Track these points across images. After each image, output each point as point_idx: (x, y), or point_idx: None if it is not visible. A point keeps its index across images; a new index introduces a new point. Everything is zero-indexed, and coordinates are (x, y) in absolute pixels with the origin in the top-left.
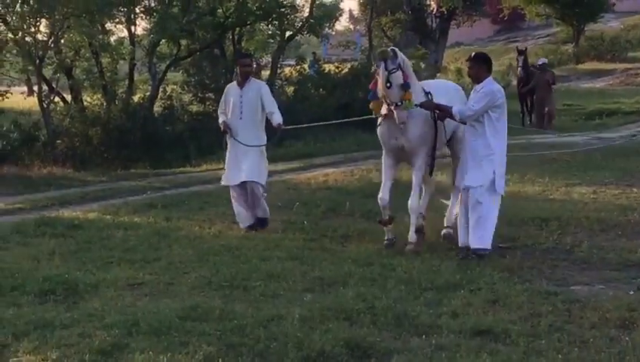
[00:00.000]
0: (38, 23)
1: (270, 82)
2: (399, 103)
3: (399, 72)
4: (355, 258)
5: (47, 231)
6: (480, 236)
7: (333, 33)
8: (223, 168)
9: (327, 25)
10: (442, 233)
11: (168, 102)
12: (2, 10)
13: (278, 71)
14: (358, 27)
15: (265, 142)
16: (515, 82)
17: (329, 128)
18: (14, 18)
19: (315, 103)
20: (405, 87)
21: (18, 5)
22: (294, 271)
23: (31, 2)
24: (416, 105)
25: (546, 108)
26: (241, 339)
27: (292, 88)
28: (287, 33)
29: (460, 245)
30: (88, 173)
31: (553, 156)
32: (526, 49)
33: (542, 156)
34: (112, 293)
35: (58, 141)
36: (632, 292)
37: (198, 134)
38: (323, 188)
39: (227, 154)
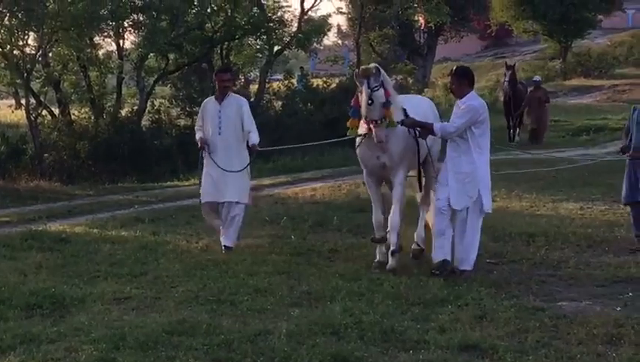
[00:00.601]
0: (26, 37)
1: (258, 97)
2: (379, 121)
3: (381, 90)
4: (343, 273)
5: (34, 245)
6: (468, 259)
7: (322, 48)
8: None
9: (316, 40)
10: (412, 248)
11: (156, 116)
12: None
13: (266, 85)
14: (346, 42)
15: (247, 163)
16: (502, 99)
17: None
18: (2, 31)
19: (303, 118)
20: (387, 104)
21: (6, 19)
22: (282, 285)
23: (19, 16)
24: (397, 122)
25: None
26: (229, 354)
27: (280, 103)
28: (276, 48)
29: (434, 261)
30: (75, 187)
31: (539, 177)
32: (515, 64)
33: (529, 172)
34: (99, 307)
35: (45, 154)
36: (619, 309)
37: (186, 148)
38: (310, 203)
39: (204, 170)
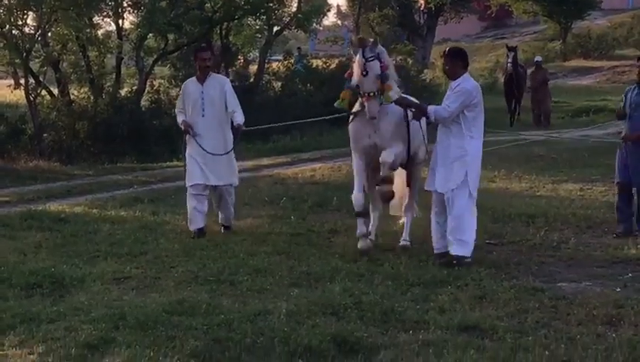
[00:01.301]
0: (25, 16)
1: (257, 77)
2: (373, 94)
3: (376, 62)
4: (343, 253)
5: (34, 225)
6: (459, 242)
7: (321, 28)
8: None
9: (315, 20)
10: (399, 245)
11: (155, 97)
12: None
13: (266, 66)
14: (345, 23)
15: (232, 146)
16: (502, 80)
17: (317, 123)
18: (1, 11)
19: (303, 98)
20: (383, 77)
21: None
22: (281, 265)
23: None
24: (393, 101)
25: (541, 108)
26: (228, 334)
27: (279, 83)
28: (275, 28)
29: (435, 251)
30: (75, 167)
31: (541, 153)
32: (516, 46)
33: (529, 153)
34: (99, 287)
35: (45, 134)
36: (618, 289)
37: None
38: (310, 183)
39: (188, 154)
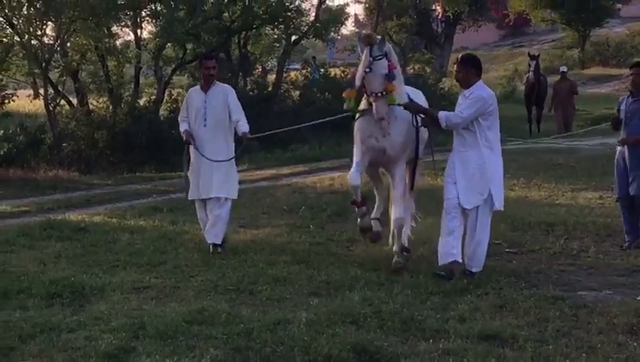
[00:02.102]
0: (44, 26)
1: (276, 86)
2: (380, 94)
3: (384, 60)
4: (362, 262)
5: (53, 234)
6: (477, 259)
7: (339, 37)
8: None
9: (333, 29)
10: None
11: (174, 106)
12: (9, 14)
13: (284, 75)
14: (363, 32)
15: (233, 155)
16: (522, 87)
17: (335, 132)
18: (21, 21)
19: (321, 107)
20: (390, 77)
21: (25, 8)
22: (300, 275)
23: (38, 5)
24: (399, 104)
25: (564, 118)
26: (248, 343)
27: (298, 92)
28: (293, 37)
29: (441, 262)
30: (94, 177)
31: (560, 161)
32: (539, 55)
33: (548, 161)
34: (119, 297)
35: (64, 144)
36: (639, 298)
37: None
38: (329, 192)
39: (190, 165)
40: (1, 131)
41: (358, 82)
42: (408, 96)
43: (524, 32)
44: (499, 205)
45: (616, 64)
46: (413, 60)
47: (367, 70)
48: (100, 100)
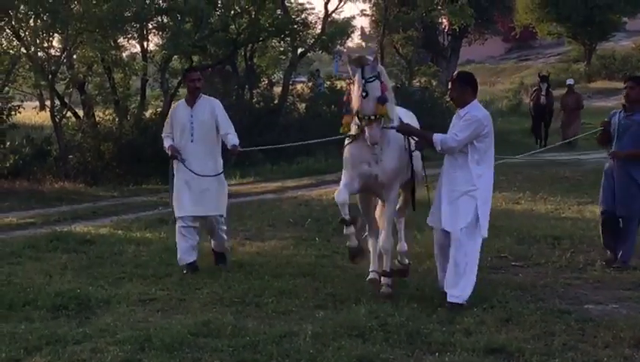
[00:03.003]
0: (51, 38)
1: (282, 99)
2: (374, 118)
3: (377, 82)
4: (368, 275)
5: (59, 246)
6: (460, 289)
7: (345, 50)
8: (233, 184)
9: (339, 42)
10: (367, 278)
11: None
12: (16, 26)
13: (290, 88)
14: (370, 44)
15: (222, 170)
16: (527, 100)
17: (342, 145)
18: (28, 33)
19: (327, 120)
20: (382, 100)
21: (31, 20)
22: (306, 287)
23: (44, 18)
24: (392, 126)
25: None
26: (254, 356)
27: (304, 105)
28: (299, 50)
29: (442, 290)
30: (100, 189)
31: (566, 175)
32: (549, 75)
33: (554, 174)
34: (124, 309)
35: (70, 156)
36: None
37: None
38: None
39: (175, 181)
40: (8, 143)
41: (355, 106)
42: (400, 119)
43: (531, 45)
44: (483, 231)
45: (623, 78)
46: (420, 73)
47: (364, 95)
48: (106, 112)
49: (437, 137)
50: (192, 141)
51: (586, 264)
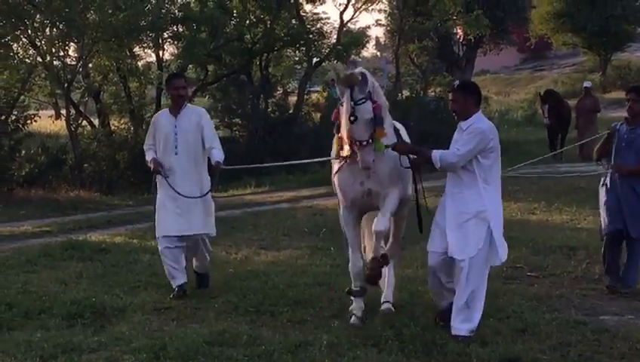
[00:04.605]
0: (67, 47)
1: (297, 108)
2: (365, 142)
3: (368, 103)
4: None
5: (75, 255)
6: (469, 320)
7: (360, 60)
8: (248, 193)
9: (354, 51)
10: (381, 309)
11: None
12: (32, 35)
13: (305, 97)
14: (384, 54)
15: (209, 188)
16: (540, 110)
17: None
18: (44, 42)
19: None
20: (376, 122)
21: (48, 29)
22: (322, 297)
23: (60, 27)
24: (386, 146)
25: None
26: None
27: (319, 115)
28: (315, 59)
29: (440, 308)
30: (115, 197)
31: (582, 185)
32: (551, 91)
33: (570, 185)
34: (139, 317)
35: (85, 165)
36: None
37: (225, 159)
38: None
39: (158, 198)
40: (24, 151)
41: (344, 130)
42: (401, 136)
43: (546, 55)
44: (502, 256)
45: (624, 88)
46: (435, 83)
47: (352, 119)
48: (122, 121)
49: (436, 154)
50: (175, 154)
51: (601, 275)
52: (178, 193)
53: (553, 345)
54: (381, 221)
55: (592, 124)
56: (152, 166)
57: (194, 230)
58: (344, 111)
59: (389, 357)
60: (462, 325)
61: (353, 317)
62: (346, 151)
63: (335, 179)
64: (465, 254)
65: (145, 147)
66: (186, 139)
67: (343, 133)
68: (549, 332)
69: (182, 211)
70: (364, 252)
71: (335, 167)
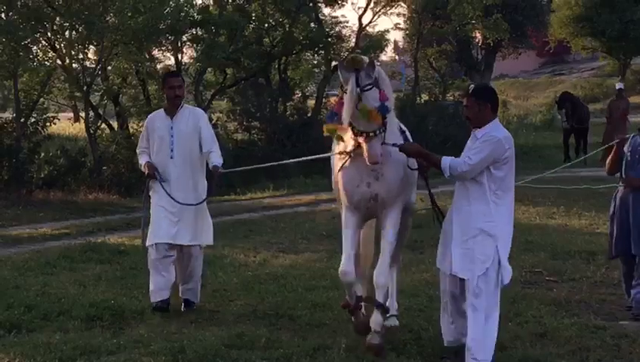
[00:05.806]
0: (86, 50)
1: (315, 112)
2: (372, 133)
3: (374, 90)
4: (401, 288)
5: (93, 257)
6: (482, 346)
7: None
8: (267, 196)
9: (373, 55)
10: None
11: (213, 130)
12: (52, 38)
13: (324, 100)
14: (403, 58)
15: (206, 195)
16: (558, 115)
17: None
18: (63, 45)
19: None
20: (382, 110)
21: (67, 32)
22: (340, 300)
23: (80, 29)
24: (394, 144)
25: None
26: None
27: None
28: (333, 63)
29: (445, 344)
30: (134, 200)
31: (601, 190)
32: (567, 94)
33: (589, 190)
34: (158, 320)
35: (104, 167)
36: None
37: (243, 162)
38: None
39: (153, 203)
40: (43, 154)
41: (346, 120)
42: (405, 135)
43: (565, 59)
44: (506, 278)
45: None
46: (453, 87)
47: (359, 107)
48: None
49: (445, 160)
50: (171, 157)
51: (620, 280)
52: (173, 198)
53: (572, 349)
54: (381, 271)
55: (623, 127)
56: (145, 170)
57: (186, 240)
58: (348, 98)
59: (407, 361)
60: (479, 356)
61: (353, 319)
62: (350, 145)
63: (338, 178)
64: (471, 272)
65: (138, 150)
66: (182, 142)
67: (346, 123)
68: (568, 336)
69: (176, 219)
70: (359, 261)
71: (338, 164)
